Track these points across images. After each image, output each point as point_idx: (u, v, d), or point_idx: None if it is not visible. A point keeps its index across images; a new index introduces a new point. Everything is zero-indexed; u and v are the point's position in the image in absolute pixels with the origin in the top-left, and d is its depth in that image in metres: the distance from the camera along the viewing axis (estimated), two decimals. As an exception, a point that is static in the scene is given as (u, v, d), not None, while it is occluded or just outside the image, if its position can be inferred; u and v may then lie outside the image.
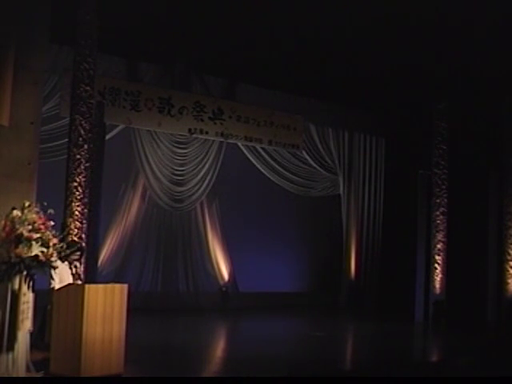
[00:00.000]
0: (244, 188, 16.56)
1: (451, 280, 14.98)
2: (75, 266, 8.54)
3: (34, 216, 6.81)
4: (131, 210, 15.35)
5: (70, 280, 8.24)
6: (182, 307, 15.00)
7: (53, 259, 6.87)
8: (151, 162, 15.33)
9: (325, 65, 14.63)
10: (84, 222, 11.10)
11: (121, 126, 14.51)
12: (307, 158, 17.31)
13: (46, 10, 8.39)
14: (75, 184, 11.11)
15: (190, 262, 15.92)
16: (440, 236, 15.12)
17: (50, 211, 6.89)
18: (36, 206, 6.98)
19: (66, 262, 8.27)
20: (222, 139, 15.90)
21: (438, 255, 15.04)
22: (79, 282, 8.60)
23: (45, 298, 8.11)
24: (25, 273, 6.72)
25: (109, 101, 13.90)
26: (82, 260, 9.93)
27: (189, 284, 15.85)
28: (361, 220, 17.84)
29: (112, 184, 14.05)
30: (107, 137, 13.08)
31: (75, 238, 10.29)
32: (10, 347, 6.69)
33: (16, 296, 6.72)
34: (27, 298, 6.83)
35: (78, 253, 8.61)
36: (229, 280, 16.25)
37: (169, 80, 15.10)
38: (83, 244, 10.36)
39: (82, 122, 11.24)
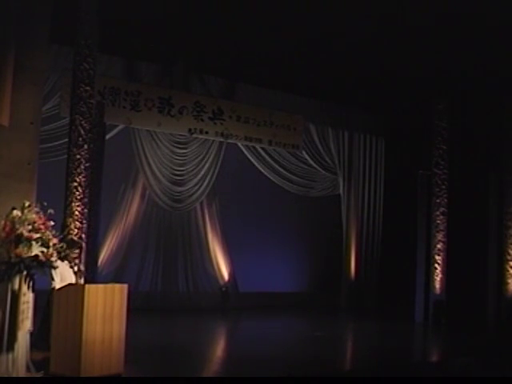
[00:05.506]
0: (244, 188, 16.55)
1: (451, 280, 14.98)
2: (76, 264, 8.54)
3: (34, 216, 6.81)
4: (131, 210, 15.35)
5: (73, 279, 8.25)
6: (182, 307, 15.00)
7: (53, 259, 6.87)
8: (151, 161, 15.33)
9: (325, 65, 14.63)
10: (84, 222, 11.10)
11: (121, 126, 14.51)
12: (307, 158, 17.32)
13: (46, 9, 8.37)
14: (75, 184, 11.11)
15: (189, 262, 15.92)
16: (440, 236, 15.12)
17: (50, 211, 6.90)
18: (36, 206, 6.99)
19: (67, 262, 8.28)
20: (221, 139, 15.90)
21: (438, 255, 15.04)
22: (82, 281, 8.56)
23: (45, 298, 8.12)
24: (25, 273, 6.73)
25: (109, 101, 13.91)
26: (82, 257, 9.94)
27: (189, 284, 15.85)
28: (361, 220, 17.84)
29: (112, 184, 14.07)
30: (107, 137, 13.08)
31: (74, 238, 10.27)
32: (10, 347, 6.70)
33: (16, 296, 6.72)
34: (27, 297, 6.84)
35: (77, 250, 8.61)
36: (229, 280, 16.24)
37: (169, 80, 15.09)
38: (82, 242, 10.36)
39: (82, 122, 11.24)
